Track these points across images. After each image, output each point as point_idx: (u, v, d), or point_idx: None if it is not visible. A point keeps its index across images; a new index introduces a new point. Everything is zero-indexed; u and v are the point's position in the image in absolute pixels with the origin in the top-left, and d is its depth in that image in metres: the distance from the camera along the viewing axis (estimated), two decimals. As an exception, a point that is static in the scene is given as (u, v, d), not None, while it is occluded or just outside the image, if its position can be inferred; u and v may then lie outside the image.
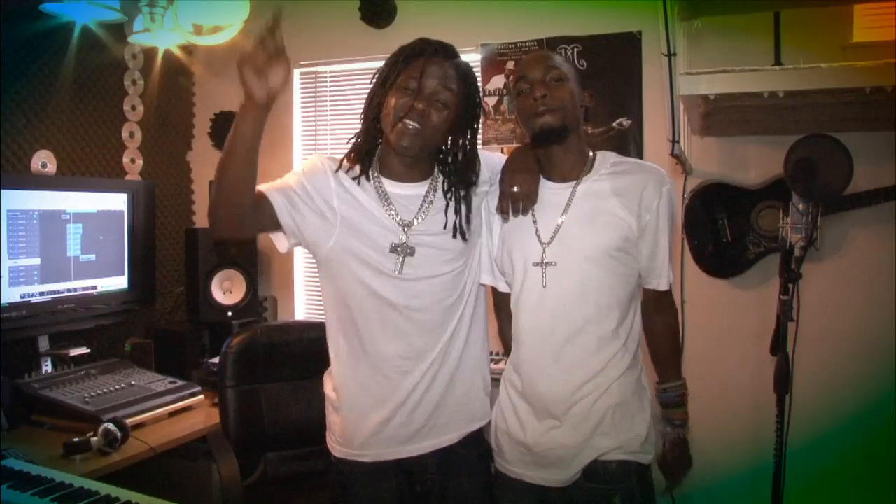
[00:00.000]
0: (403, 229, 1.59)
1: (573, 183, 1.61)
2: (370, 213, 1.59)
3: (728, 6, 2.45)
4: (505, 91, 3.00)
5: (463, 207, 1.62)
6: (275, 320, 3.40)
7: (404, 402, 1.61)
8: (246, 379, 2.46)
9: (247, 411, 2.45)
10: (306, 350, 2.56)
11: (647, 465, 1.62)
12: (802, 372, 2.25)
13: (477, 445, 1.72)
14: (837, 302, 2.63)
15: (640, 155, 2.85)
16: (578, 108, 1.61)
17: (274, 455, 2.49)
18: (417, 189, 1.64)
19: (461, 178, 1.63)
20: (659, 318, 1.73)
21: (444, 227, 1.62)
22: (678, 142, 2.29)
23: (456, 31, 3.07)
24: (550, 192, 1.63)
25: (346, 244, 1.58)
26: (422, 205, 1.63)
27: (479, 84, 1.75)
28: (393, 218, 1.60)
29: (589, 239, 1.57)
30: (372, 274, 1.58)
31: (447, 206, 1.63)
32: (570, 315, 1.57)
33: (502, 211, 1.64)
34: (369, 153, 1.62)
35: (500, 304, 1.76)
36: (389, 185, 1.62)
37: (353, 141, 1.64)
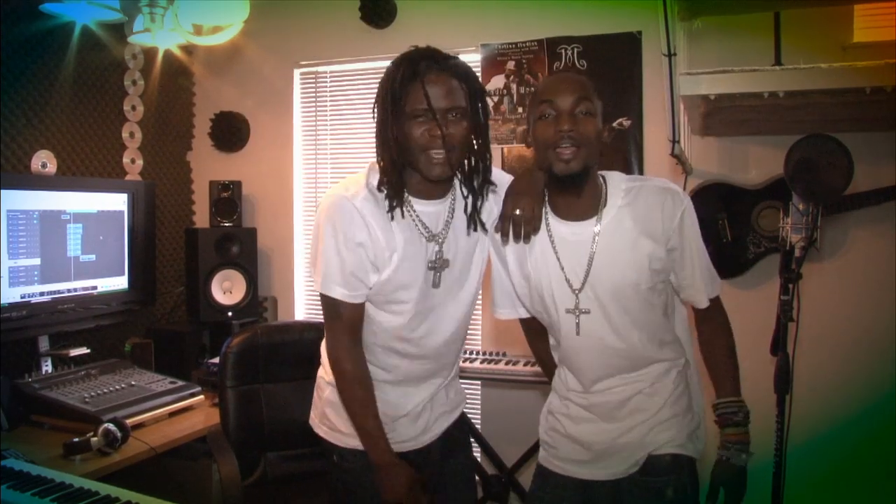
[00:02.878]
0: (437, 244, 1.59)
1: (593, 221, 1.55)
2: (408, 243, 1.57)
3: (728, 6, 2.45)
4: (505, 91, 3.00)
5: (480, 200, 1.60)
6: (275, 320, 3.40)
7: (420, 407, 1.70)
8: (246, 379, 2.46)
9: (247, 411, 2.45)
10: (306, 350, 2.55)
11: (695, 459, 1.66)
12: (802, 372, 2.25)
13: (464, 425, 1.86)
14: (837, 302, 2.63)
15: (640, 155, 2.85)
16: (600, 148, 1.54)
17: (274, 455, 2.48)
18: (443, 204, 1.61)
19: (482, 174, 1.60)
20: (707, 329, 1.71)
21: (468, 234, 1.63)
22: (678, 142, 2.29)
23: (456, 31, 3.10)
24: (571, 232, 1.56)
25: (390, 278, 1.57)
26: (448, 217, 1.62)
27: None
28: (423, 235, 1.58)
29: (618, 280, 1.53)
30: (410, 295, 1.58)
31: (466, 208, 1.62)
32: (608, 355, 1.59)
33: (502, 233, 1.60)
34: (398, 186, 1.54)
35: (528, 326, 1.77)
36: (418, 205, 1.58)
37: (383, 182, 1.54)
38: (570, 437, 1.67)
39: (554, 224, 1.58)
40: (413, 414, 1.69)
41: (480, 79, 2.97)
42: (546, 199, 1.59)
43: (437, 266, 1.59)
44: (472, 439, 2.02)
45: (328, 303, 1.57)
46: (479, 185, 1.59)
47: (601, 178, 1.59)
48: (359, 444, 1.65)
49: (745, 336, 2.74)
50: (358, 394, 1.58)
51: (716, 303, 1.67)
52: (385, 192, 1.53)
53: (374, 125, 1.54)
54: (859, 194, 2.51)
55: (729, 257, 2.74)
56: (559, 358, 1.68)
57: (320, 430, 1.75)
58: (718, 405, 1.63)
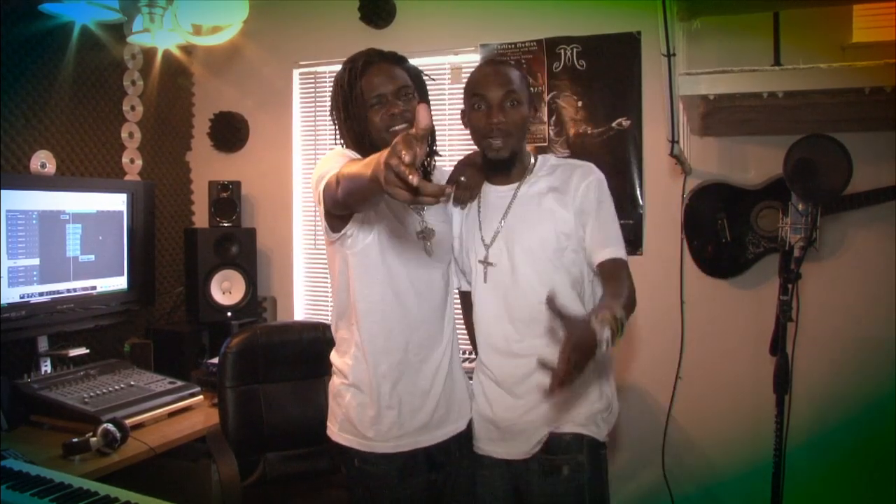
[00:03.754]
0: (418, 214, 1.74)
1: (516, 185, 1.75)
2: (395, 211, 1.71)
3: (727, 6, 2.45)
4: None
5: (429, 161, 1.81)
6: (274, 320, 3.40)
7: (429, 389, 1.72)
8: (245, 379, 2.46)
9: (246, 411, 2.45)
10: (305, 350, 2.56)
11: (600, 442, 1.72)
12: (802, 372, 2.25)
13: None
14: (837, 302, 2.64)
15: (639, 155, 2.85)
16: (527, 129, 1.75)
17: (273, 455, 2.48)
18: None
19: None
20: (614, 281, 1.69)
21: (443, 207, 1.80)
22: (677, 142, 2.29)
23: (455, 31, 3.10)
24: (496, 195, 1.77)
25: (386, 232, 1.69)
26: None
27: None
28: (406, 207, 1.70)
29: (526, 237, 1.70)
30: (403, 261, 1.69)
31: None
32: (512, 308, 1.71)
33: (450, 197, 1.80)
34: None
35: (466, 304, 1.89)
36: None
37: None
38: (483, 415, 1.77)
39: (485, 188, 1.79)
40: (433, 389, 1.72)
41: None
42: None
43: (425, 235, 1.73)
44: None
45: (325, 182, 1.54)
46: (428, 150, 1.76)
47: (530, 155, 1.80)
48: (383, 448, 1.68)
49: (745, 336, 2.76)
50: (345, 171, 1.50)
51: (619, 265, 1.68)
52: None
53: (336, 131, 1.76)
54: (858, 194, 2.51)
55: (728, 257, 2.74)
56: (475, 321, 1.80)
57: (341, 438, 1.74)
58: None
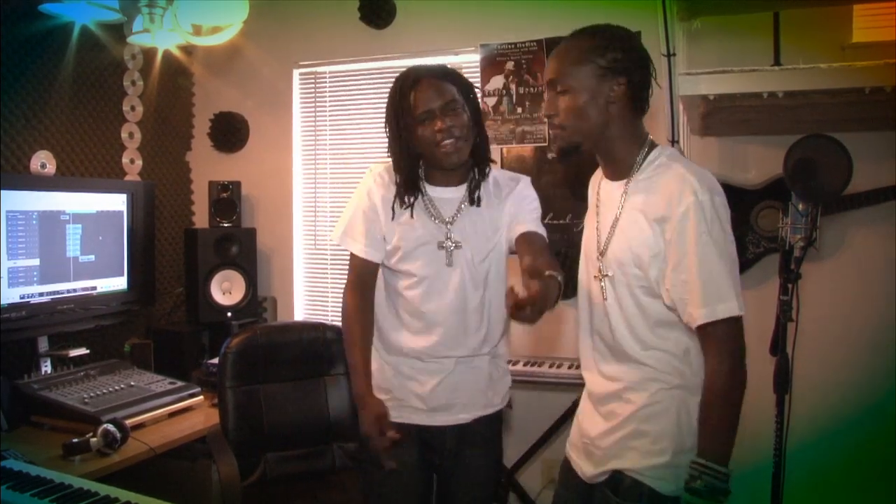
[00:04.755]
0: (446, 226, 1.80)
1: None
2: (420, 224, 1.81)
3: (727, 6, 2.45)
4: (504, 92, 3.00)
5: (480, 175, 1.85)
6: (274, 321, 3.40)
7: (434, 384, 1.81)
8: (245, 379, 2.46)
9: (246, 412, 2.45)
10: (305, 350, 2.56)
11: (664, 496, 1.49)
12: (802, 372, 2.25)
13: (491, 425, 1.90)
14: (837, 302, 2.63)
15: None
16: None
17: (273, 455, 2.48)
18: (458, 192, 1.84)
19: (484, 155, 1.85)
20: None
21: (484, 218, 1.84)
22: (678, 142, 2.29)
23: (455, 32, 3.10)
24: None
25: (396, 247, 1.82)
26: (464, 203, 1.83)
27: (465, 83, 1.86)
28: (434, 217, 1.81)
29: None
30: (418, 268, 1.80)
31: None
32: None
33: None
34: (409, 183, 1.80)
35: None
36: (432, 191, 1.83)
37: (397, 180, 1.82)
38: (576, 421, 1.73)
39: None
40: (433, 384, 1.80)
41: (480, 79, 3.00)
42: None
43: (447, 246, 1.79)
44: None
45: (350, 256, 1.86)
46: (479, 161, 1.83)
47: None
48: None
49: (745, 336, 2.75)
50: (354, 329, 1.81)
51: (717, 332, 1.40)
52: (397, 186, 1.81)
53: (387, 140, 1.83)
54: (858, 194, 2.51)
55: (728, 257, 2.73)
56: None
57: None
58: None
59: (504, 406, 1.92)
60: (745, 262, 2.72)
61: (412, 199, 1.80)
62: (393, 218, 1.81)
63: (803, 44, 2.45)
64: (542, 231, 1.81)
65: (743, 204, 2.70)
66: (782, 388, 2.11)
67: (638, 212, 1.46)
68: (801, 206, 2.15)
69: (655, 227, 1.42)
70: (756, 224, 2.69)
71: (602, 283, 1.53)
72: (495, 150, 3.03)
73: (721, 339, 1.38)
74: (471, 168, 1.83)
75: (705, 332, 1.39)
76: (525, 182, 1.88)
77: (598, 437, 1.55)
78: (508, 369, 1.96)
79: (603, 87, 1.49)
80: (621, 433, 1.50)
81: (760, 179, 2.70)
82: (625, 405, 1.50)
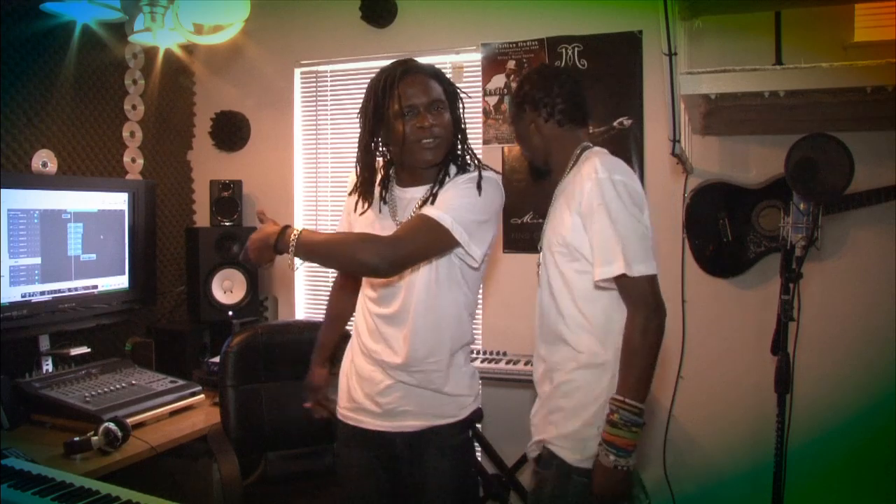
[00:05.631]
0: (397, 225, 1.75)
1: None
2: (378, 222, 1.78)
3: (729, 6, 2.45)
4: (505, 91, 3.00)
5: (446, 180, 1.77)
6: (275, 320, 3.40)
7: (381, 387, 1.77)
8: (246, 378, 2.46)
9: (247, 411, 2.45)
10: (306, 349, 2.54)
11: (573, 467, 1.67)
12: (803, 371, 2.25)
13: (451, 435, 1.78)
14: (838, 302, 2.63)
15: (640, 154, 2.85)
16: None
17: (274, 454, 2.49)
18: (419, 192, 1.76)
19: (460, 163, 1.78)
20: None
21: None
22: (679, 141, 2.29)
23: (456, 31, 3.10)
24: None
25: None
26: (417, 205, 1.75)
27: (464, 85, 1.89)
28: (392, 217, 1.77)
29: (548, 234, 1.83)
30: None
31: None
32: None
33: None
34: (371, 182, 1.79)
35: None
36: (398, 191, 1.80)
37: (361, 175, 1.79)
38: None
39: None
40: (383, 388, 1.76)
41: (481, 79, 3.01)
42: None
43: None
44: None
45: None
46: (458, 167, 1.77)
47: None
48: (340, 414, 1.86)
49: (746, 335, 2.76)
50: (328, 305, 2.07)
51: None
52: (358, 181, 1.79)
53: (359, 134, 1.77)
54: (860, 194, 2.51)
55: (729, 257, 2.74)
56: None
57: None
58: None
59: (466, 416, 1.79)
60: (746, 262, 2.72)
61: (370, 197, 1.78)
62: (359, 213, 1.80)
63: (805, 43, 2.45)
64: (432, 213, 1.62)
65: (744, 203, 2.70)
66: (783, 388, 2.11)
67: (563, 202, 1.71)
68: (802, 206, 2.15)
69: (574, 207, 1.65)
70: (757, 223, 2.69)
71: (539, 271, 1.79)
72: (496, 150, 3.03)
73: (633, 295, 1.59)
74: (439, 171, 1.74)
75: (621, 289, 1.61)
76: (470, 175, 1.72)
77: (533, 415, 1.79)
78: (470, 381, 1.82)
79: (527, 118, 1.80)
80: (545, 410, 1.73)
81: (762, 179, 2.70)
82: (549, 384, 1.73)
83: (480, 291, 1.78)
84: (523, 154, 1.88)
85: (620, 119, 2.86)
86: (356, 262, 1.60)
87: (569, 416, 1.65)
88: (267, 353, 2.51)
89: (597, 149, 1.76)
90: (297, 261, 1.65)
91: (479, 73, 3.02)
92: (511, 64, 3.01)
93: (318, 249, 1.63)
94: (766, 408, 2.15)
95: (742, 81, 2.00)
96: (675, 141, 2.28)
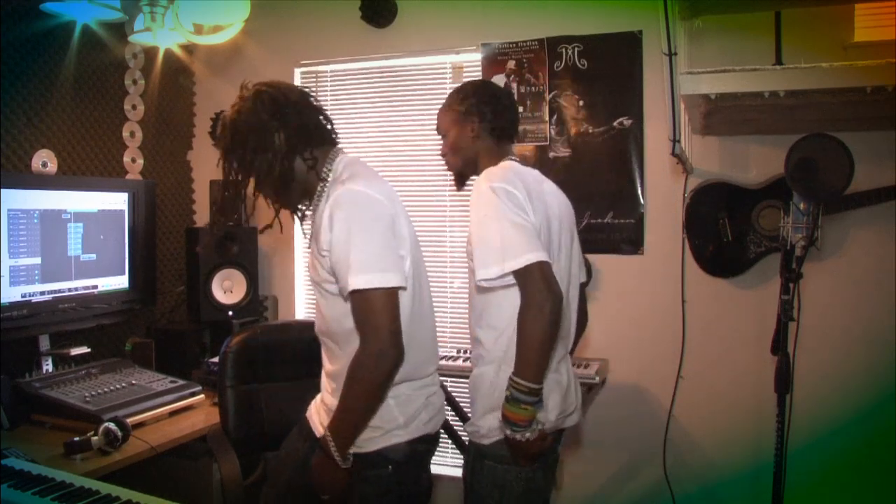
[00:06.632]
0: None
1: None
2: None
3: (729, 6, 2.45)
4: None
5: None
6: (275, 320, 3.40)
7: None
8: (246, 378, 2.46)
9: (247, 411, 2.44)
10: (306, 350, 2.55)
11: (481, 445, 1.80)
12: (803, 372, 2.25)
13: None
14: (838, 302, 2.63)
15: (640, 154, 2.85)
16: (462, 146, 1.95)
17: (274, 455, 2.48)
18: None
19: None
20: None
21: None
22: (679, 141, 2.29)
23: (456, 31, 3.10)
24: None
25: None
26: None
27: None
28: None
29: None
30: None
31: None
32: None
33: None
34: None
35: None
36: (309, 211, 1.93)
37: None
38: None
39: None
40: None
41: (481, 78, 3.00)
42: None
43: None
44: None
45: None
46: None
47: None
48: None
49: (746, 336, 2.76)
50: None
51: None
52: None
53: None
54: (860, 194, 2.51)
55: (729, 257, 2.74)
56: None
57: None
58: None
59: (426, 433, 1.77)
60: (746, 262, 2.72)
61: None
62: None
63: (805, 43, 2.45)
64: (354, 286, 1.56)
65: (744, 203, 2.70)
66: (783, 388, 2.11)
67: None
68: (802, 206, 2.15)
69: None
70: (757, 223, 2.69)
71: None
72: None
73: (523, 288, 1.66)
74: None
75: (518, 282, 1.67)
76: (332, 202, 1.68)
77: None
78: (419, 403, 1.76)
79: (465, 126, 1.91)
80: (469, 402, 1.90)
81: (762, 179, 2.70)
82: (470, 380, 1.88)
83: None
84: (448, 160, 1.95)
85: (620, 119, 2.86)
86: (382, 383, 1.61)
87: (474, 406, 1.85)
88: (267, 353, 2.50)
89: (509, 161, 1.89)
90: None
91: (479, 73, 3.03)
92: (511, 64, 3.01)
93: (350, 423, 1.65)
94: (766, 408, 2.15)
95: (742, 81, 2.00)
96: (675, 141, 2.28)
